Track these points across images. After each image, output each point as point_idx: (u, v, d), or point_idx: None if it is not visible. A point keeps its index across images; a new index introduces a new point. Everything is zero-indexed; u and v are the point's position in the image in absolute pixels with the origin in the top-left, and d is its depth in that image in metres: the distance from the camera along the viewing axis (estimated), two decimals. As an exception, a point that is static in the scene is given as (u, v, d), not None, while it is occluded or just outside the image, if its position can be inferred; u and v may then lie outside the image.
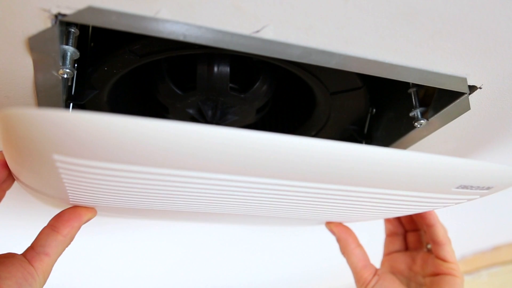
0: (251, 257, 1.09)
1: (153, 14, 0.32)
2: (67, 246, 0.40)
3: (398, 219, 0.59)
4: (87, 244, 0.88)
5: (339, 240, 0.54)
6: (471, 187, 0.39)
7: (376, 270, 0.53)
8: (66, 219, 0.40)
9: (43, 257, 0.38)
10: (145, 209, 0.44)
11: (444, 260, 0.51)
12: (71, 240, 0.40)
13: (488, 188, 0.39)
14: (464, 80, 0.42)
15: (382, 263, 0.58)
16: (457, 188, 0.39)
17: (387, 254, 0.58)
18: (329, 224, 0.55)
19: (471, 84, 0.43)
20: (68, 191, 0.36)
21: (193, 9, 0.32)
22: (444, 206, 0.45)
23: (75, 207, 0.41)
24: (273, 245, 1.01)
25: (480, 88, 0.44)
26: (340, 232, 0.54)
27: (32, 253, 0.37)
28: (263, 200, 0.39)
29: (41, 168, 0.32)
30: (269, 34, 0.35)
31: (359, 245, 0.54)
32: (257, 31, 0.34)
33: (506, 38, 0.38)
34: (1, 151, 0.36)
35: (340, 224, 0.54)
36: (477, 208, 0.89)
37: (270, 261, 1.13)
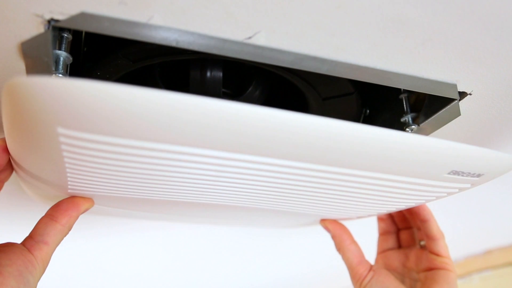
0: (249, 260, 1.09)
1: (146, 20, 0.32)
2: (65, 235, 0.40)
3: (391, 218, 0.60)
4: (80, 246, 0.87)
5: (334, 237, 0.55)
6: (463, 173, 0.39)
7: (371, 266, 0.53)
8: (65, 209, 0.40)
9: (42, 246, 0.38)
10: (143, 200, 0.44)
11: (438, 255, 0.52)
12: (69, 229, 0.40)
13: (479, 175, 0.40)
14: (454, 86, 0.43)
15: (376, 261, 0.59)
16: (449, 174, 0.39)
17: (381, 252, 0.59)
18: (323, 221, 0.55)
19: (461, 90, 0.43)
20: (68, 175, 0.36)
21: (185, 15, 0.32)
22: (437, 198, 0.45)
23: (72, 197, 0.42)
24: (269, 248, 1.01)
25: (470, 94, 0.44)
26: (335, 229, 0.54)
27: (31, 242, 0.38)
28: (257, 185, 0.39)
29: (43, 146, 0.32)
30: (261, 40, 0.35)
31: (354, 242, 0.54)
32: (249, 38, 0.35)
33: (495, 46, 0.38)
34: (2, 138, 0.36)
35: (334, 221, 0.55)
36: (469, 211, 0.90)
37: (267, 264, 1.13)
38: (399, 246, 0.59)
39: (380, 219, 0.60)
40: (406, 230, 0.58)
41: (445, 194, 0.44)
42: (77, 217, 0.41)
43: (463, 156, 0.37)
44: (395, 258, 0.57)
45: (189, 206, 0.47)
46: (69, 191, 0.41)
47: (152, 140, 0.30)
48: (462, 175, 0.39)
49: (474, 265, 1.18)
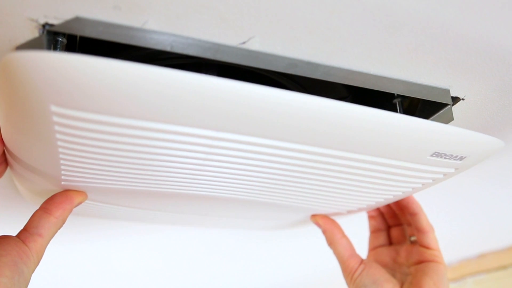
0: (246, 263, 1.09)
1: (140, 25, 0.32)
2: (59, 228, 0.41)
3: (381, 215, 0.60)
4: (77, 250, 0.87)
5: (324, 232, 0.55)
6: (445, 156, 0.39)
7: (362, 259, 0.54)
8: (58, 202, 0.41)
9: (37, 238, 0.39)
10: (136, 193, 0.44)
11: (427, 247, 0.52)
12: (63, 222, 0.41)
13: (461, 158, 0.40)
14: (447, 91, 0.43)
15: (367, 258, 0.59)
16: (432, 156, 0.39)
17: (372, 249, 0.59)
18: (314, 217, 0.55)
19: (454, 96, 0.44)
20: (62, 161, 0.36)
21: (180, 20, 0.32)
22: (423, 185, 0.45)
23: (66, 190, 0.42)
24: (265, 251, 1.01)
25: (463, 99, 0.44)
26: (325, 224, 0.55)
27: (26, 234, 0.39)
28: (243, 170, 0.39)
29: (36, 128, 0.31)
30: (255, 45, 0.35)
31: (345, 236, 0.55)
32: (244, 43, 0.35)
33: (488, 52, 0.38)
34: None
35: (325, 216, 0.55)
36: (463, 215, 0.90)
37: (264, 267, 1.13)
38: (390, 243, 0.59)
39: (371, 217, 0.60)
40: (396, 227, 0.59)
41: (431, 180, 0.44)
42: (70, 210, 0.42)
43: (445, 137, 0.37)
44: (386, 254, 0.57)
45: (181, 199, 0.47)
46: (62, 183, 0.41)
47: (147, 119, 0.30)
48: (445, 158, 0.39)
49: (467, 268, 1.18)
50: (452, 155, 0.39)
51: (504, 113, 0.49)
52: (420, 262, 0.52)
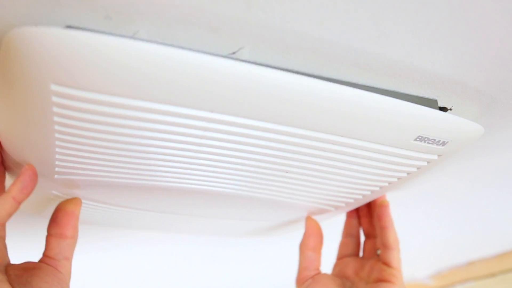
0: (243, 268, 1.09)
1: (131, 35, 0.32)
2: (76, 242, 0.43)
3: (358, 221, 0.59)
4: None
5: (304, 234, 0.55)
6: (428, 140, 0.40)
7: (315, 275, 0.53)
8: (65, 223, 0.42)
9: (65, 262, 0.42)
10: (130, 188, 0.44)
11: (388, 265, 0.51)
12: (77, 237, 0.43)
13: (444, 144, 0.40)
14: (434, 102, 0.43)
15: (334, 266, 0.58)
16: (416, 140, 0.40)
17: (339, 258, 0.58)
18: (307, 217, 0.55)
19: (441, 106, 0.44)
20: (57, 151, 0.35)
21: (170, 30, 0.33)
22: (408, 174, 0.45)
23: (63, 206, 0.43)
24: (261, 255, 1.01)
25: (450, 109, 0.45)
26: (309, 228, 0.55)
27: (54, 262, 0.41)
28: (238, 158, 0.40)
29: (33, 111, 0.31)
30: (245, 55, 0.35)
31: (316, 249, 0.54)
32: (234, 53, 0.35)
33: (474, 63, 0.39)
34: None
35: (315, 222, 0.55)
36: (452, 223, 0.91)
37: (261, 271, 1.13)
38: (359, 253, 0.58)
39: (347, 223, 0.60)
40: (371, 239, 0.58)
41: (415, 169, 0.44)
42: (78, 222, 0.43)
43: (428, 120, 0.38)
44: (351, 266, 0.56)
45: (175, 195, 0.47)
46: (55, 176, 0.40)
47: (145, 99, 0.31)
48: (428, 142, 0.40)
49: (457, 276, 1.19)
50: (435, 140, 0.40)
51: (491, 123, 0.50)
52: (378, 280, 0.51)
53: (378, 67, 0.38)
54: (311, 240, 0.54)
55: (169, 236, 0.79)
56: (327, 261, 0.58)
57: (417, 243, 0.98)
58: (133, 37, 0.32)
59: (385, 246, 0.52)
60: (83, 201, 0.46)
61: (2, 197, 0.36)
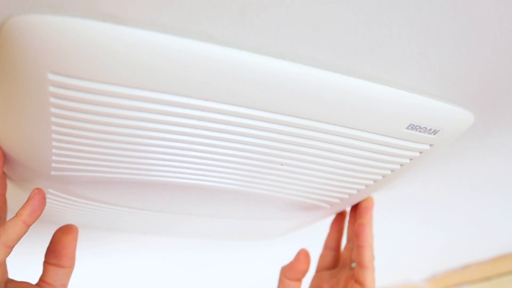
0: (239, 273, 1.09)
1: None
2: (73, 269, 0.43)
3: (340, 234, 0.59)
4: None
5: (290, 263, 0.54)
6: (420, 128, 0.40)
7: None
8: (64, 254, 0.42)
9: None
10: (126, 183, 0.44)
11: (361, 285, 0.50)
12: (75, 263, 0.43)
13: (435, 132, 0.41)
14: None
15: (311, 280, 0.58)
16: (408, 128, 0.40)
17: (318, 271, 0.58)
18: (300, 250, 0.54)
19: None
20: (54, 144, 0.35)
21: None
22: (401, 166, 0.45)
23: (59, 235, 0.42)
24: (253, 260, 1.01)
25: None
26: (297, 260, 0.53)
27: (51, 287, 0.42)
28: (233, 150, 0.40)
29: (30, 102, 0.31)
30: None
31: (297, 280, 0.54)
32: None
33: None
34: None
35: (305, 255, 0.54)
36: (448, 227, 0.91)
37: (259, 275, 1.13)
38: (336, 266, 0.57)
39: (329, 234, 0.59)
40: (351, 244, 0.57)
41: (408, 160, 0.44)
42: (75, 252, 0.43)
43: (419, 107, 0.38)
44: (327, 280, 0.55)
45: (170, 192, 0.47)
46: (52, 172, 0.40)
47: (144, 88, 0.30)
48: (420, 131, 0.40)
49: (452, 280, 1.19)
50: (426, 128, 0.40)
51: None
52: None
53: (373, 73, 0.38)
54: (295, 272, 0.53)
55: (166, 240, 0.79)
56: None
57: (412, 246, 0.99)
58: (127, 24, 0.32)
59: (360, 264, 0.51)
60: (78, 200, 0.45)
61: (12, 221, 0.37)
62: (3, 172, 0.40)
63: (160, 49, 0.29)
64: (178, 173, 0.43)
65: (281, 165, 0.43)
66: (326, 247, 0.59)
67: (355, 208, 0.56)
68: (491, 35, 0.35)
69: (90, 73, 0.28)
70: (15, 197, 0.46)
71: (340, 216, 0.59)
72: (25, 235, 0.38)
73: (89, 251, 0.78)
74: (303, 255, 0.54)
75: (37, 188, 0.38)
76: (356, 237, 0.52)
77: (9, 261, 0.41)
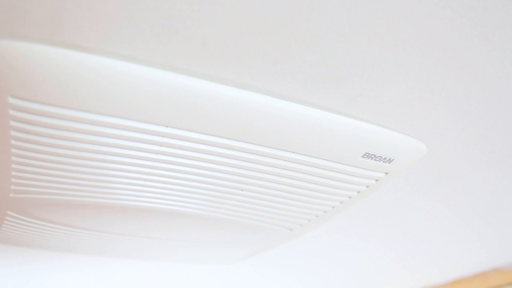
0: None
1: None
2: None
3: None
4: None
5: None
6: (375, 157, 0.41)
7: None
8: None
9: None
10: (88, 206, 0.44)
11: None
12: None
13: (390, 161, 0.42)
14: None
15: None
16: (363, 157, 0.41)
17: None
18: None
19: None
20: (13, 167, 0.35)
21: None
22: (358, 192, 0.46)
23: None
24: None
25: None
26: None
27: None
28: (193, 175, 0.40)
29: None
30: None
31: None
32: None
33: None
34: None
35: None
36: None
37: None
38: None
39: None
40: None
41: (365, 187, 0.45)
42: None
43: (375, 136, 0.39)
44: None
45: (131, 215, 0.47)
46: (11, 195, 0.40)
47: (104, 113, 0.31)
48: (375, 159, 0.42)
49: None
50: (381, 157, 0.42)
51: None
52: None
53: (332, 105, 0.39)
54: None
55: (128, 262, 0.77)
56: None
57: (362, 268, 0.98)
58: (90, 52, 0.33)
59: None
60: (37, 222, 0.45)
61: None
62: None
63: (121, 76, 0.29)
64: (138, 196, 0.43)
65: (241, 190, 0.44)
66: None
67: None
68: (444, 72, 0.36)
69: (51, 97, 0.29)
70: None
71: None
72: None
73: (43, 272, 0.76)
74: None
75: None
76: None
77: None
